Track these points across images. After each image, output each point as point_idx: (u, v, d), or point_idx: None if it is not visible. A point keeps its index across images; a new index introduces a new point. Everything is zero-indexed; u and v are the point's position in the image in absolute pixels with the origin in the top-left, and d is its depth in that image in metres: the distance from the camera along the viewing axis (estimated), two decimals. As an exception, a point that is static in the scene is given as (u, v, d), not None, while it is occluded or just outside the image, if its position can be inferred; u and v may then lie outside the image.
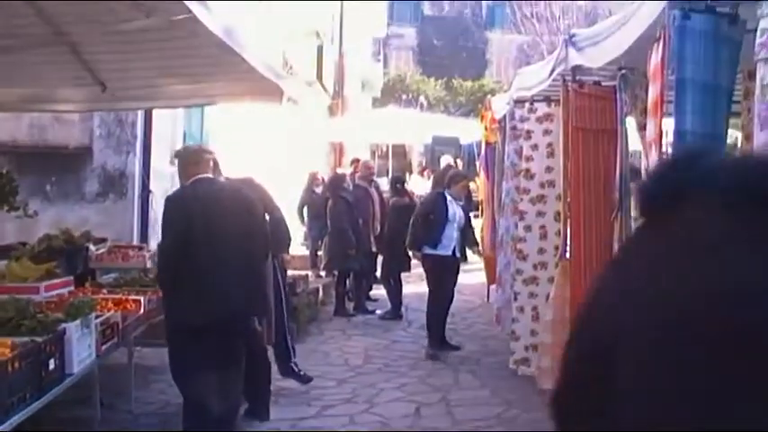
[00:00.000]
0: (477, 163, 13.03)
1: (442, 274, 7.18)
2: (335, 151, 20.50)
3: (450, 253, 7.15)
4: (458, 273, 7.39)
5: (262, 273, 4.55)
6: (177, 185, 4.53)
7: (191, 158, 4.42)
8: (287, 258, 6.07)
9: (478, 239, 8.42)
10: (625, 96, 4.61)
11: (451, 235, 7.11)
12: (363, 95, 23.66)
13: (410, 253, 7.81)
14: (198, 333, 4.00)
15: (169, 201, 4.31)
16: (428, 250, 7.16)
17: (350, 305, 9.42)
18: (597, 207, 5.14)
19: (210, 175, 4.37)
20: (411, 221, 7.42)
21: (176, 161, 4.64)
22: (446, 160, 13.07)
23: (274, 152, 11.90)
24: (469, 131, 15.94)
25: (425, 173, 16.18)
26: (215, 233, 4.09)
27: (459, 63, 36.02)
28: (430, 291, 7.35)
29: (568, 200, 5.35)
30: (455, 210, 7.15)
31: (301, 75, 14.21)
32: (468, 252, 7.95)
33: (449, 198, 7.18)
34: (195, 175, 4.29)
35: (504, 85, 31.28)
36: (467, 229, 7.44)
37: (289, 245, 5.94)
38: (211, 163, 4.45)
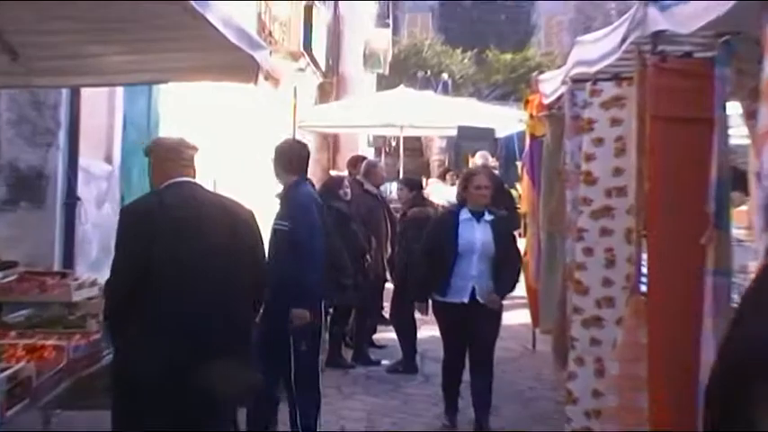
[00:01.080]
0: (519, 163, 12.97)
1: (452, 329, 7.01)
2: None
3: (464, 299, 6.83)
4: (482, 323, 6.90)
5: (250, 335, 4.44)
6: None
7: (166, 154, 4.39)
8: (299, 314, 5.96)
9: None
10: (727, 73, 4.51)
11: (467, 271, 6.82)
12: (366, 72, 23.71)
13: (416, 307, 7.58)
14: (155, 397, 3.93)
15: (125, 213, 4.26)
16: (436, 296, 6.98)
17: (348, 353, 9.34)
18: (684, 224, 5.04)
19: (193, 180, 4.32)
20: (416, 259, 7.43)
21: (148, 158, 4.60)
22: (482, 158, 12.96)
23: (246, 148, 11.87)
24: (508, 121, 15.92)
25: (448, 176, 16.09)
26: (191, 264, 4.03)
27: (496, 29, 36.11)
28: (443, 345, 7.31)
29: (644, 213, 5.27)
30: (474, 234, 6.87)
31: (284, 44, 14.21)
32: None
33: (464, 216, 6.94)
34: (171, 177, 4.25)
35: (557, 59, 31.52)
36: (504, 262, 6.92)
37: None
38: (195, 162, 4.45)
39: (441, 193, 14.50)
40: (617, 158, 6.14)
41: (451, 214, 7.11)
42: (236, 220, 4.28)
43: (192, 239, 4.07)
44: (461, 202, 7.09)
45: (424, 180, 18.12)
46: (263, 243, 4.57)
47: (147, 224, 4.11)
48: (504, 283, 6.97)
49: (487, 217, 6.92)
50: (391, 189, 15.17)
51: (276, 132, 14.64)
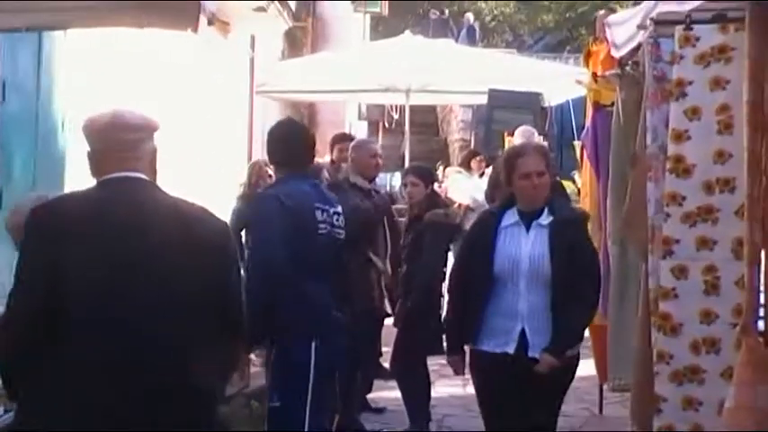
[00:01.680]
0: (577, 144, 12.93)
1: (491, 392, 6.51)
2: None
3: (507, 348, 6.29)
4: (538, 385, 6.22)
5: (211, 378, 4.43)
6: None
7: (97, 140, 4.38)
8: None
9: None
10: None
11: (511, 306, 6.30)
12: (356, 12, 23.72)
13: (449, 362, 6.98)
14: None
15: (34, 218, 4.25)
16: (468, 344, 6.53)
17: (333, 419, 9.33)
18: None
19: (141, 175, 4.35)
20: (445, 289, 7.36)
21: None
22: (524, 136, 12.75)
23: (183, 123, 11.85)
24: (562, 83, 15.88)
25: (475, 163, 16.09)
26: (127, 294, 4.04)
27: (542, -50, 36.11)
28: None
29: (762, 217, 5.25)
30: (519, 247, 6.34)
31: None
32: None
33: (509, 220, 6.45)
34: (105, 173, 4.27)
35: (630, -6, 31.52)
36: (570, 293, 6.23)
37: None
38: (151, 149, 4.45)
39: (463, 187, 14.48)
40: (721, 137, 6.18)
41: (491, 217, 6.61)
42: (193, 234, 4.27)
43: (131, 256, 4.06)
44: (507, 199, 6.57)
45: (440, 169, 18.23)
46: (234, 263, 4.56)
47: (52, 238, 4.10)
48: (566, 330, 6.29)
49: (543, 220, 6.32)
50: (393, 182, 15.16)
51: (226, 100, 14.64)
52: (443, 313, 7.74)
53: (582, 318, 6.55)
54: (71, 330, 3.99)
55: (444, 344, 7.83)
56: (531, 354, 6.18)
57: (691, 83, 6.29)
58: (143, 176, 4.35)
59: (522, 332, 6.23)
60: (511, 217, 6.44)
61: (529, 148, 7.23)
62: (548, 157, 6.69)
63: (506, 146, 12.90)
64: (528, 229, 6.36)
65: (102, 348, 4.01)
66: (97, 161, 4.33)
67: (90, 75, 9.47)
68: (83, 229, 4.10)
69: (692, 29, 6.31)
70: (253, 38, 15.36)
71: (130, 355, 4.04)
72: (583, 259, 6.42)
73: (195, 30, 5.67)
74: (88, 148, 4.42)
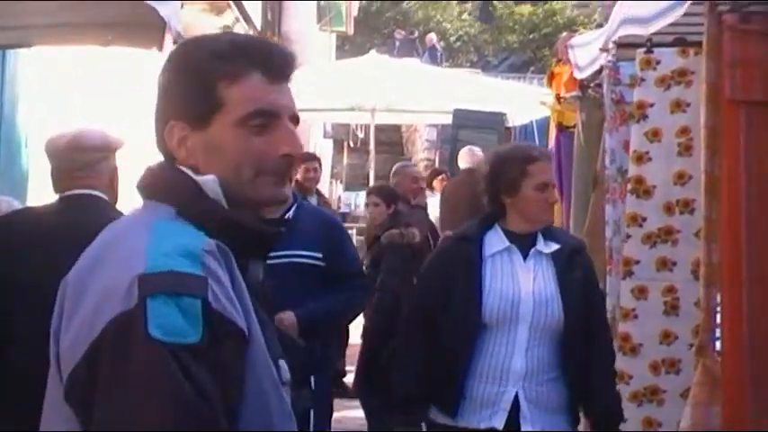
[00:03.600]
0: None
1: None
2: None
3: (494, 422, 4.80)
4: None
5: None
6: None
7: (55, 160, 4.43)
8: None
9: None
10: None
11: (503, 363, 4.79)
12: (321, 31, 23.75)
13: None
14: None
15: None
16: (437, 416, 4.98)
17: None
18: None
19: (99, 193, 4.38)
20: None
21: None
22: (469, 158, 12.54)
23: (148, 139, 11.81)
24: (527, 103, 15.95)
25: (437, 182, 16.15)
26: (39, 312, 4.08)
27: (508, -30, 36.30)
28: None
29: (720, 238, 5.32)
30: (517, 283, 4.85)
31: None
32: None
33: (496, 246, 4.93)
34: (70, 188, 4.33)
35: (595, 15, 31.64)
36: (589, 343, 4.93)
37: None
38: (111, 168, 4.47)
39: (429, 208, 14.50)
40: (681, 159, 6.22)
41: (467, 243, 5.01)
42: None
43: (47, 277, 4.08)
44: (487, 217, 5.06)
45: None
46: None
47: (8, 248, 4.22)
48: (599, 392, 4.95)
49: (543, 247, 4.93)
50: (358, 202, 15.16)
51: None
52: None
53: (607, 376, 5.05)
54: (15, 345, 4.03)
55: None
56: (524, 428, 4.74)
57: (651, 105, 6.33)
58: (100, 194, 4.37)
59: (516, 400, 4.75)
60: (497, 241, 4.92)
61: (540, 152, 5.31)
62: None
63: (463, 161, 12.67)
64: (525, 257, 4.90)
65: (45, 365, 4.02)
66: (57, 179, 4.40)
67: (54, 93, 9.44)
68: (35, 244, 4.17)
69: (652, 52, 6.37)
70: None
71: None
72: (598, 302, 5.21)
73: (160, 48, 5.67)
74: (49, 168, 4.46)
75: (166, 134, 2.16)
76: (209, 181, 2.08)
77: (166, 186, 2.13)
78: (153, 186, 2.16)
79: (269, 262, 2.27)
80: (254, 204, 2.14)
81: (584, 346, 4.88)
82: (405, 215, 9.38)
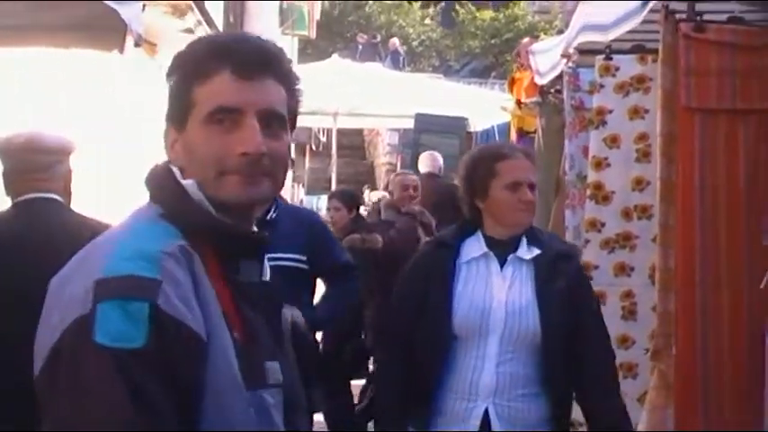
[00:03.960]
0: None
1: None
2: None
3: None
4: None
5: None
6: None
7: (10, 162, 4.39)
8: None
9: None
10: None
11: (474, 378, 4.38)
12: (283, 35, 23.69)
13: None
14: None
15: None
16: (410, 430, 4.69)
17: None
18: (733, 261, 5.13)
19: (54, 196, 4.36)
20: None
21: None
22: (428, 163, 12.53)
23: (107, 142, 11.74)
24: (488, 108, 15.99)
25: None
26: (29, 314, 4.03)
27: (470, -24, 36.34)
28: None
29: (675, 244, 5.36)
30: (491, 292, 4.43)
31: (163, -6, 14.15)
32: None
33: (472, 253, 4.54)
34: (18, 194, 4.30)
35: (556, 21, 31.66)
36: (580, 356, 4.40)
37: None
38: (65, 171, 4.44)
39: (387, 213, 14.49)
40: (639, 165, 6.25)
41: (443, 249, 4.64)
42: None
43: (23, 277, 4.05)
44: (465, 223, 4.66)
45: (366, 193, 18.28)
46: None
47: None
48: (604, 410, 4.45)
49: (524, 253, 4.48)
50: (320, 205, 15.11)
51: (153, 122, 14.51)
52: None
53: (609, 385, 4.51)
54: None
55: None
56: None
57: (611, 111, 6.36)
58: (56, 197, 4.35)
59: (486, 415, 4.37)
60: (474, 247, 4.54)
61: (514, 148, 4.89)
62: (535, 167, 4.72)
63: (423, 165, 12.60)
64: (502, 265, 4.48)
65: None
66: (11, 182, 4.36)
67: (11, 95, 9.38)
68: None
69: (611, 59, 6.39)
70: (180, 59, 15.26)
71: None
72: (589, 314, 4.51)
73: (121, 51, 5.65)
74: (2, 169, 4.45)
75: (164, 138, 2.18)
76: (190, 185, 2.09)
77: (156, 188, 2.15)
78: (149, 186, 2.18)
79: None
80: (227, 206, 2.11)
81: (575, 361, 4.34)
82: (389, 222, 9.39)
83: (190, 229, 2.04)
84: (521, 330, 4.32)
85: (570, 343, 4.33)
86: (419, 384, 4.50)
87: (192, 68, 2.12)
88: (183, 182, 2.10)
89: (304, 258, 5.55)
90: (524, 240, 4.46)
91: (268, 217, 5.27)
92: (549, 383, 4.34)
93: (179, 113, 2.13)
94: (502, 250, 4.46)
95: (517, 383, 4.33)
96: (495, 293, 4.40)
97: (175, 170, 2.14)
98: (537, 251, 4.43)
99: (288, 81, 2.21)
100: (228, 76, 2.09)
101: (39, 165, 4.35)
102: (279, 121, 2.16)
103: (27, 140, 4.48)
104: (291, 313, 2.48)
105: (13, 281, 4.09)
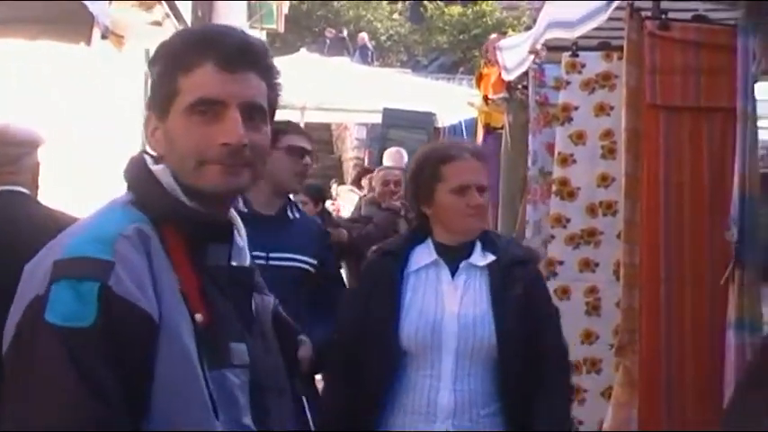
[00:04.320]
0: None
1: None
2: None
3: None
4: None
5: None
6: None
7: None
8: None
9: None
10: (753, 44, 4.64)
11: (428, 402, 3.99)
12: (252, 29, 23.63)
13: None
14: None
15: None
16: None
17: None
18: (695, 256, 5.15)
19: (22, 189, 4.34)
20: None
21: None
22: (394, 158, 12.57)
23: (74, 134, 11.71)
24: (456, 104, 15.97)
25: (365, 181, 16.16)
26: None
27: (438, -29, 36.33)
28: None
29: (639, 240, 5.38)
30: (442, 304, 4.05)
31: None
32: None
33: (421, 260, 4.18)
34: None
35: (524, 17, 31.69)
36: (534, 373, 4.03)
37: None
38: (33, 163, 4.42)
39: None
40: (604, 162, 6.26)
41: (389, 259, 4.26)
42: None
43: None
44: (414, 230, 4.40)
45: (334, 187, 18.27)
46: None
47: None
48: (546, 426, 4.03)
49: (478, 259, 4.15)
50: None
51: (120, 114, 14.46)
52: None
53: (564, 414, 4.18)
54: None
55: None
56: None
57: (576, 108, 6.38)
58: (23, 190, 4.32)
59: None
60: (424, 255, 4.20)
61: (460, 149, 4.28)
62: (487, 167, 4.38)
63: (385, 161, 12.61)
64: (454, 273, 4.13)
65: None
66: None
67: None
68: None
69: (578, 55, 6.41)
70: (147, 52, 15.24)
71: None
72: (547, 322, 4.19)
73: (88, 43, 5.63)
74: None
75: (144, 125, 2.21)
76: (159, 170, 2.14)
77: (130, 176, 2.20)
78: (125, 175, 2.22)
79: (275, 263, 2.27)
80: (204, 194, 2.15)
81: (530, 372, 3.99)
82: (368, 217, 9.39)
83: (156, 214, 2.08)
84: (476, 343, 3.97)
85: (526, 354, 3.99)
86: (370, 405, 4.09)
87: (175, 59, 2.15)
88: (153, 168, 2.15)
89: (315, 263, 5.50)
90: (478, 246, 4.15)
91: (291, 216, 5.17)
92: (508, 397, 3.99)
93: (161, 102, 2.16)
94: (453, 257, 4.13)
95: (477, 402, 3.98)
96: (446, 304, 4.04)
97: (147, 158, 2.18)
98: (492, 257, 4.10)
99: (269, 75, 2.24)
100: (212, 68, 2.12)
101: (7, 157, 4.33)
102: (260, 113, 2.20)
103: (14, 129, 4.46)
104: (272, 302, 2.47)
105: None
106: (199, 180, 2.12)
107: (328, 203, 11.99)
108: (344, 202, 15.06)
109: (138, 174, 2.17)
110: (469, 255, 4.10)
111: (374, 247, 4.57)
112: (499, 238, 4.31)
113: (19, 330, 1.93)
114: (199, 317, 2.05)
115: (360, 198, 10.49)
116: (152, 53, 2.31)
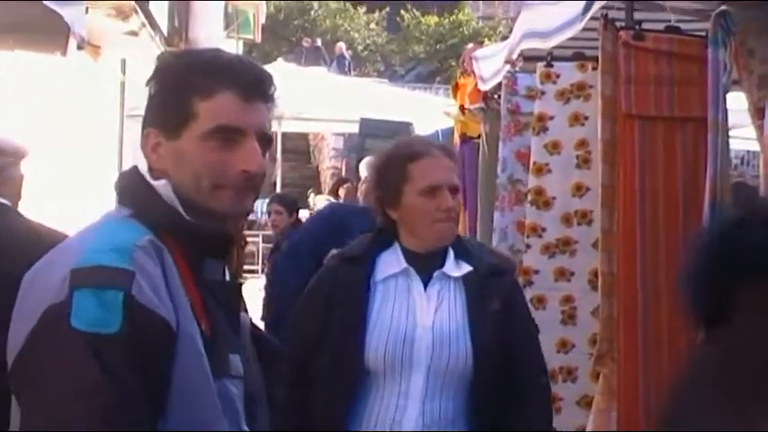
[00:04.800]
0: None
1: None
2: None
3: None
4: None
5: None
6: None
7: None
8: None
9: None
10: (725, 56, 4.67)
11: (392, 424, 3.64)
12: (228, 38, 23.61)
13: None
14: None
15: None
16: None
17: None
18: (671, 265, 5.16)
19: (4, 200, 4.33)
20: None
21: None
22: (370, 164, 12.65)
23: (50, 146, 11.68)
24: (432, 113, 16.02)
25: (343, 190, 16.14)
26: None
27: (415, -18, 36.37)
28: None
29: (615, 249, 5.38)
30: (413, 316, 3.65)
31: (108, -4, 14.07)
32: None
33: (389, 269, 3.75)
34: None
35: (500, 27, 31.72)
36: (513, 392, 3.73)
37: None
38: (18, 174, 4.42)
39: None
40: (579, 171, 6.25)
41: (352, 265, 3.81)
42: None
43: None
44: (379, 234, 3.87)
45: (311, 197, 18.28)
46: None
47: None
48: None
49: (452, 269, 3.74)
50: (264, 209, 15.09)
51: (96, 124, 14.44)
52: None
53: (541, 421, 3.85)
54: None
55: None
56: None
57: (551, 118, 6.37)
58: (5, 202, 4.31)
59: None
60: (391, 262, 3.76)
61: (430, 144, 3.90)
62: (458, 166, 4.02)
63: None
64: (426, 283, 3.71)
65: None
66: None
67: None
68: None
69: (552, 66, 6.43)
70: (123, 61, 15.20)
71: None
72: (525, 338, 3.88)
73: (64, 53, 5.62)
74: None
75: (143, 140, 2.25)
76: (161, 185, 2.18)
77: (125, 191, 2.24)
78: (118, 189, 2.26)
79: None
80: (212, 215, 2.22)
81: (504, 391, 3.67)
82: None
83: (158, 227, 2.13)
84: (450, 362, 3.59)
85: (502, 372, 3.67)
86: (328, 426, 3.71)
87: (190, 82, 2.21)
88: (154, 183, 2.19)
89: None
90: (451, 254, 3.73)
91: None
92: (480, 417, 3.65)
93: (170, 122, 2.21)
94: (424, 266, 3.70)
95: (446, 423, 3.62)
96: (418, 317, 3.63)
97: (145, 173, 2.23)
98: (467, 267, 3.70)
99: (272, 105, 2.33)
100: (233, 97, 2.20)
101: (7, 164, 4.32)
102: (267, 141, 2.29)
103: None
104: (248, 317, 2.53)
105: None
106: (211, 202, 2.20)
107: (305, 213, 11.98)
108: (321, 210, 15.06)
109: (136, 187, 2.22)
110: (442, 264, 3.70)
111: (333, 251, 4.23)
112: (473, 246, 3.92)
113: (35, 337, 1.96)
114: (203, 327, 2.11)
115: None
116: (132, 68, 2.37)
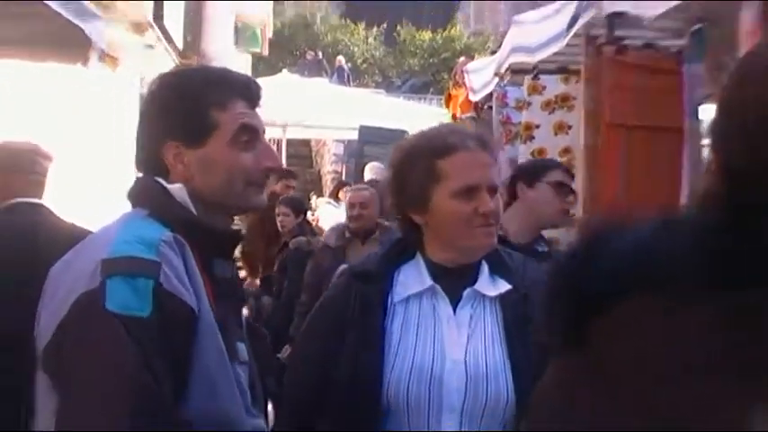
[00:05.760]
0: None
1: None
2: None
3: None
4: None
5: None
6: None
7: (13, 163, 4.26)
8: None
9: None
10: (698, 69, 4.67)
11: None
12: (238, 52, 23.60)
13: None
14: None
15: None
16: None
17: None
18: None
19: (38, 201, 4.26)
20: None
21: None
22: (374, 173, 12.22)
23: (69, 156, 11.65)
24: (426, 122, 15.97)
25: (342, 194, 16.15)
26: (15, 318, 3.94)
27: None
28: None
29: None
30: (441, 344, 2.71)
31: (126, 13, 14.05)
32: None
33: (410, 288, 2.78)
34: (16, 196, 4.17)
35: (489, 42, 31.80)
36: None
37: None
38: (45, 177, 4.34)
39: (333, 217, 14.44)
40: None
41: (366, 283, 2.83)
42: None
43: (18, 277, 3.89)
44: (403, 243, 2.91)
45: (313, 199, 18.27)
46: None
47: None
48: None
49: (486, 287, 2.79)
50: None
51: (115, 133, 14.42)
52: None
53: None
54: None
55: None
56: None
57: (538, 127, 6.39)
58: (43, 203, 4.29)
59: None
60: (414, 278, 2.81)
61: (465, 135, 2.82)
62: (497, 161, 2.91)
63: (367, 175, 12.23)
64: (455, 305, 2.76)
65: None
66: (6, 185, 4.22)
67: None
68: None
69: (539, 78, 6.44)
70: (142, 80, 15.20)
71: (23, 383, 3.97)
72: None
73: (85, 64, 5.61)
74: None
75: (164, 151, 2.27)
76: (176, 189, 2.23)
77: (141, 194, 2.28)
78: (133, 194, 2.31)
79: None
80: (242, 211, 2.46)
81: None
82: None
83: (175, 226, 2.17)
84: (489, 402, 2.65)
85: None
86: None
87: (205, 97, 2.30)
88: (169, 186, 2.24)
89: None
90: (485, 268, 2.81)
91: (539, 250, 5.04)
92: None
93: (193, 133, 2.27)
94: (453, 283, 2.77)
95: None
96: (447, 349, 2.69)
97: (160, 180, 2.27)
98: (505, 285, 2.77)
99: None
100: (244, 105, 2.33)
101: (41, 169, 4.26)
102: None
103: (33, 145, 4.36)
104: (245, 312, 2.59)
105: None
106: (243, 200, 2.32)
107: (309, 215, 11.96)
108: (322, 213, 15.04)
109: (152, 190, 2.26)
110: (474, 280, 2.78)
111: (343, 267, 3.68)
112: (511, 257, 2.89)
113: (68, 323, 1.98)
114: (216, 316, 2.15)
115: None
116: (149, 79, 2.40)
